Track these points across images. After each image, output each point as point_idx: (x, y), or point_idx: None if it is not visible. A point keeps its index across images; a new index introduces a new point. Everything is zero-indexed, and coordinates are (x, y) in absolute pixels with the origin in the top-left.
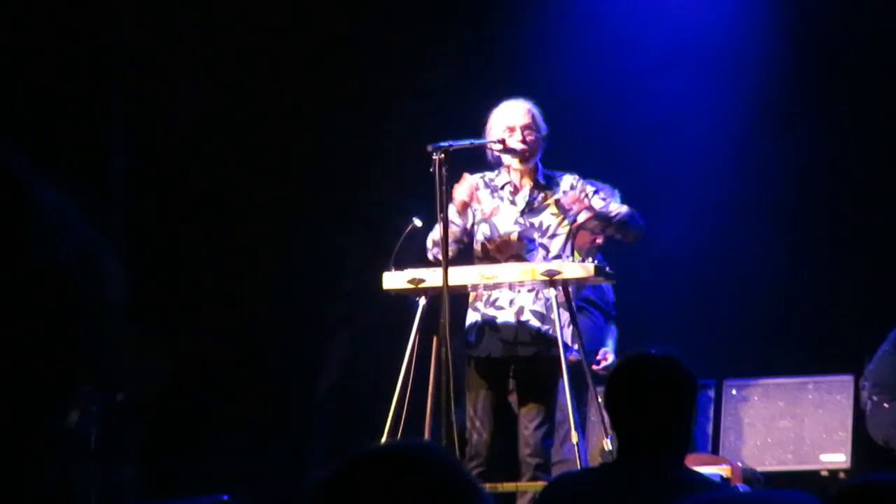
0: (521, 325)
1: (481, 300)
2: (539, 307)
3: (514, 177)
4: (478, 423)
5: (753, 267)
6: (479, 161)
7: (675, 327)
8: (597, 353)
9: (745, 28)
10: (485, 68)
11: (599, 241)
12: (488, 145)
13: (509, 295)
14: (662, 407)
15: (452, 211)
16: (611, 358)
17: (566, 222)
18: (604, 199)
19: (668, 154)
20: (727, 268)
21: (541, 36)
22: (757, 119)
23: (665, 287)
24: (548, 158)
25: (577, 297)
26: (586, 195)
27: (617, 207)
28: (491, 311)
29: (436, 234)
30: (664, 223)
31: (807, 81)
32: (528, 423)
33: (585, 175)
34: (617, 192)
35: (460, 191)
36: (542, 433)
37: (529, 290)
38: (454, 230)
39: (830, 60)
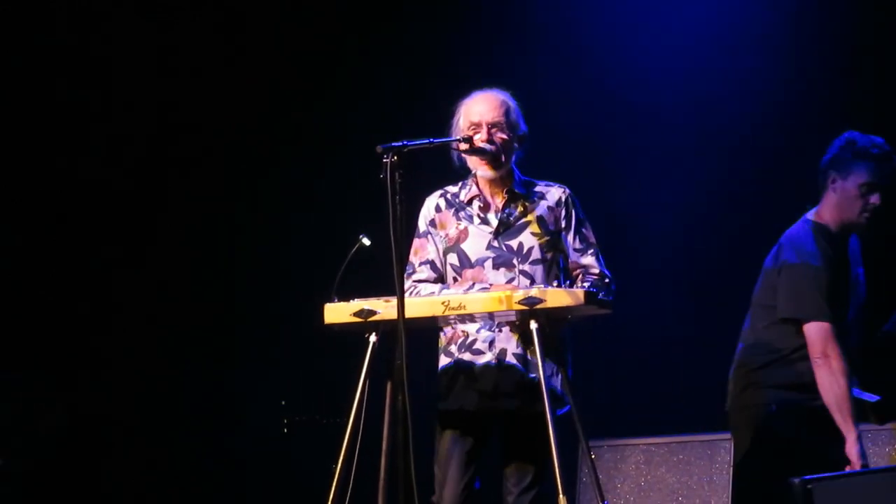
0: (503, 373)
1: (455, 343)
2: (522, 350)
3: (484, 187)
4: (448, 493)
5: None
6: (446, 167)
7: (681, 369)
8: None
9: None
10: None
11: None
12: (452, 145)
13: (488, 336)
14: None
15: (431, 246)
16: None
17: (552, 243)
18: (580, 247)
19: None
20: (742, 298)
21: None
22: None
23: (667, 320)
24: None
25: None
26: (569, 223)
27: (590, 265)
28: (468, 356)
29: (419, 274)
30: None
31: None
32: (512, 486)
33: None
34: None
35: None
36: (531, 498)
37: (513, 330)
38: (431, 273)
39: None
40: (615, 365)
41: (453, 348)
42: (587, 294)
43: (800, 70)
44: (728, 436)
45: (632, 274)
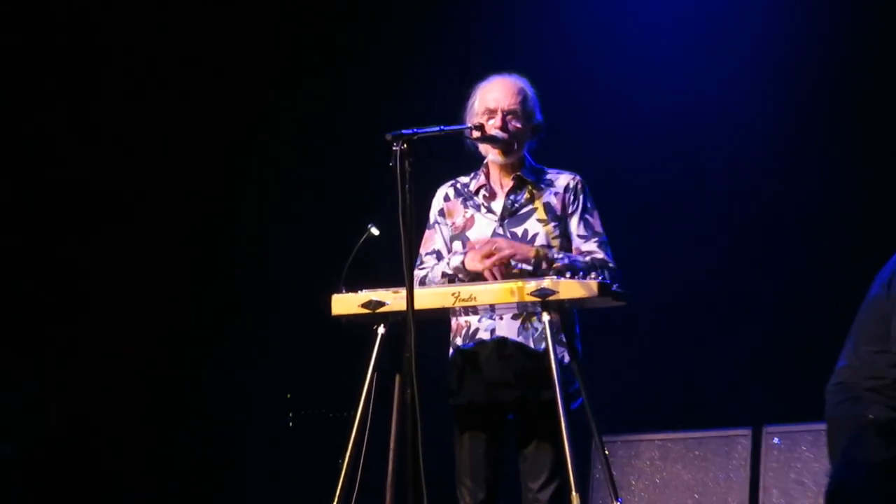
0: (504, 363)
1: (460, 334)
2: (524, 339)
3: (494, 175)
4: (466, 493)
5: (793, 290)
6: (459, 155)
7: (697, 362)
8: None
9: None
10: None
11: None
12: (464, 132)
13: (489, 324)
14: None
15: (438, 237)
16: None
17: (559, 229)
18: (584, 234)
19: (687, 169)
20: (761, 290)
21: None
22: (791, 141)
23: (682, 313)
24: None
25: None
26: (575, 209)
27: (592, 251)
28: (471, 347)
29: (446, 265)
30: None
31: None
32: (529, 483)
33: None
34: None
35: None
36: (549, 495)
37: (513, 317)
38: (436, 263)
39: None
40: (630, 358)
41: (458, 340)
42: (601, 286)
43: (807, 68)
44: (747, 431)
45: (648, 265)
